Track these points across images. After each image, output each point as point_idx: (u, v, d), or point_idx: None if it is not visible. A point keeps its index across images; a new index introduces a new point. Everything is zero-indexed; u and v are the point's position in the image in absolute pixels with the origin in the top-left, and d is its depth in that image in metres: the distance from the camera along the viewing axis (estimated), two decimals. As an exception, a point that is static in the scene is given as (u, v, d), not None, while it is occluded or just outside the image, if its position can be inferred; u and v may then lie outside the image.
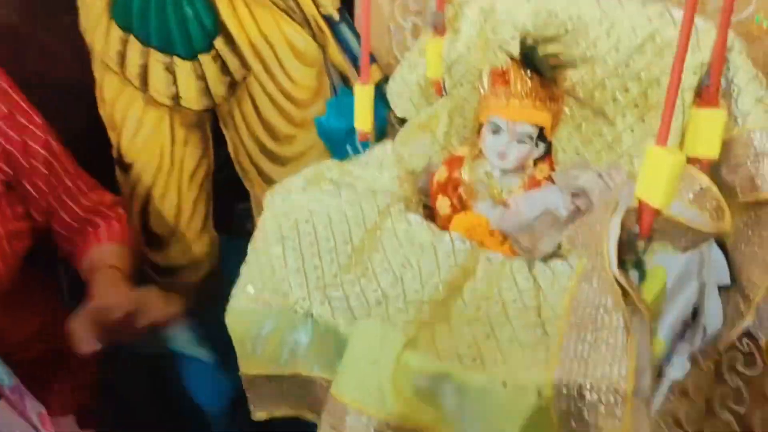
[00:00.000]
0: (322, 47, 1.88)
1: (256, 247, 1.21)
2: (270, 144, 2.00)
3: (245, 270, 1.20)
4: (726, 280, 1.21)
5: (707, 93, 1.02)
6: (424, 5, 1.66)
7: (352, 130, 1.93)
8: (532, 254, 1.06)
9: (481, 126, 1.20)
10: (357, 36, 1.82)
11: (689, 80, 1.04)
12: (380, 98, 1.91)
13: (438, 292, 1.05)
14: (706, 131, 1.03)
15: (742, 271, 1.12)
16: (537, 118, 1.12)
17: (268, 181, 2.04)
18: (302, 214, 1.20)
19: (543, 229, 1.08)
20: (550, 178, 1.17)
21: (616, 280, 0.93)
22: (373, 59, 1.83)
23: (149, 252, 2.20)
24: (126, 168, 2.15)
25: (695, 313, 1.20)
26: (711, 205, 1.05)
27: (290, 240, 1.17)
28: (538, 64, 1.06)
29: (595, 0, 1.15)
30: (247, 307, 1.18)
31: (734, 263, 1.14)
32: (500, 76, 1.13)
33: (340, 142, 1.88)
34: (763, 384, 1.44)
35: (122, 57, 2.00)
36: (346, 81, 1.93)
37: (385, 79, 1.85)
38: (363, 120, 1.24)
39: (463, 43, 1.28)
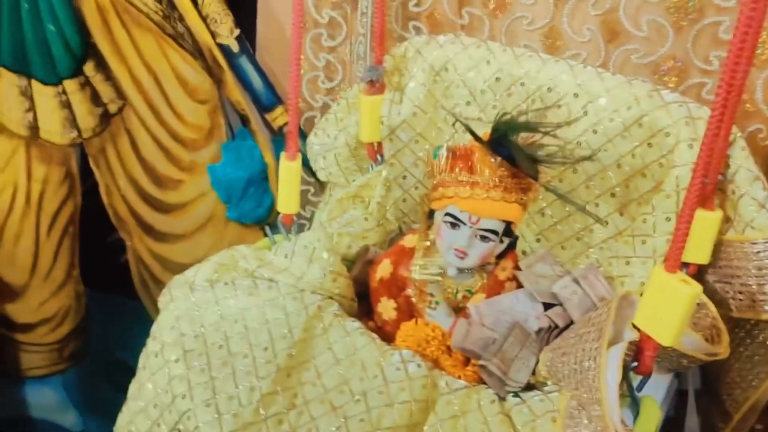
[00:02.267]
0: (217, 82, 1.62)
1: (148, 363, 0.94)
2: (151, 190, 1.72)
3: (134, 393, 0.94)
4: (697, 384, 1.09)
5: (703, 193, 0.89)
6: (349, 44, 1.43)
7: (252, 180, 1.70)
8: (503, 383, 0.88)
9: (430, 212, 1.00)
10: (259, 70, 1.57)
11: (685, 178, 0.89)
12: (283, 143, 1.66)
13: (391, 429, 0.85)
14: (699, 235, 0.88)
15: (722, 384, 1.00)
16: (506, 213, 0.93)
17: (149, 232, 1.77)
18: (210, 319, 0.96)
19: (514, 350, 0.89)
20: (513, 278, 0.99)
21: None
22: (278, 100, 1.60)
23: None
24: (-30, 208, 1.84)
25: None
26: (705, 323, 0.91)
27: (195, 357, 0.92)
28: (514, 152, 0.87)
29: (569, 69, 0.98)
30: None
31: (712, 372, 1.02)
32: (462, 159, 0.94)
33: (237, 194, 1.62)
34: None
35: (-36, 77, 1.68)
36: (244, 122, 1.67)
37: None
38: (287, 202, 1.00)
39: (408, 106, 1.07)
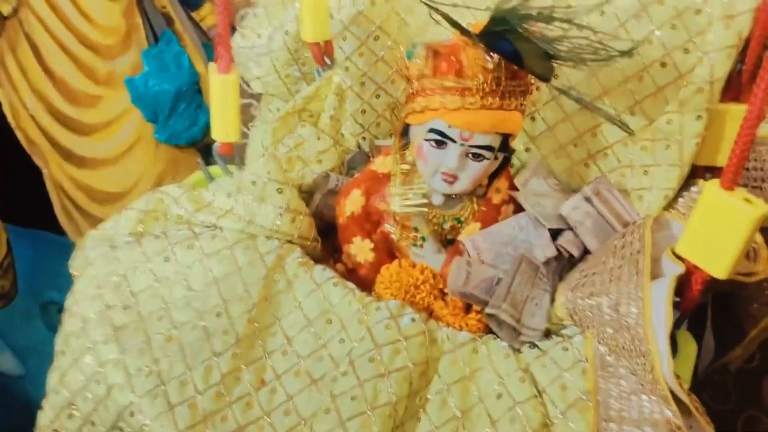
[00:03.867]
0: (131, -27, 1.40)
1: (69, 347, 0.75)
2: (64, 107, 1.49)
3: (55, 386, 0.74)
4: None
5: (737, 83, 0.73)
6: None
7: (181, 94, 1.43)
8: (516, 333, 0.73)
9: (405, 127, 0.81)
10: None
11: (721, 66, 0.73)
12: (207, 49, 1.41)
13: (389, 405, 0.70)
14: (730, 134, 0.74)
15: (738, 299, 0.90)
16: (505, 125, 0.74)
17: (68, 157, 1.55)
18: (141, 283, 0.76)
19: (524, 290, 0.74)
20: (510, 200, 0.83)
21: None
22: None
23: None
24: None
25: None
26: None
27: (130, 335, 0.73)
28: (521, 47, 0.68)
29: (569, -64, 0.79)
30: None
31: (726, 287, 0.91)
32: (447, 60, 0.74)
33: (164, 112, 1.37)
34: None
35: None
36: (168, 22, 1.43)
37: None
38: (225, 126, 0.79)
39: (364, -6, 0.85)
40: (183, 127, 1.47)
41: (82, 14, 1.42)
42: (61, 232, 1.67)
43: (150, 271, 0.77)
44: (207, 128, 1.44)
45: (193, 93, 1.45)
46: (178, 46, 1.44)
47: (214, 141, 1.43)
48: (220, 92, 0.79)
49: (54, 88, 1.50)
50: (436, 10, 0.75)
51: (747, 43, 0.72)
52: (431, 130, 0.76)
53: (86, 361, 0.73)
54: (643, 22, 0.76)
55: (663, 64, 0.77)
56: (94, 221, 1.58)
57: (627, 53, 0.71)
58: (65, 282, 1.76)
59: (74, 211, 1.63)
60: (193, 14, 1.45)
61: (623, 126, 0.70)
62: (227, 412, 0.70)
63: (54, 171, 1.59)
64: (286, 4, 0.96)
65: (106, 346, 0.73)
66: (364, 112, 0.94)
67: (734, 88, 0.74)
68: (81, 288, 0.77)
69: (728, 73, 0.72)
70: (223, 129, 0.81)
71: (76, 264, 0.81)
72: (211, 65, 0.80)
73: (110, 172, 1.56)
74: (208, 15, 1.45)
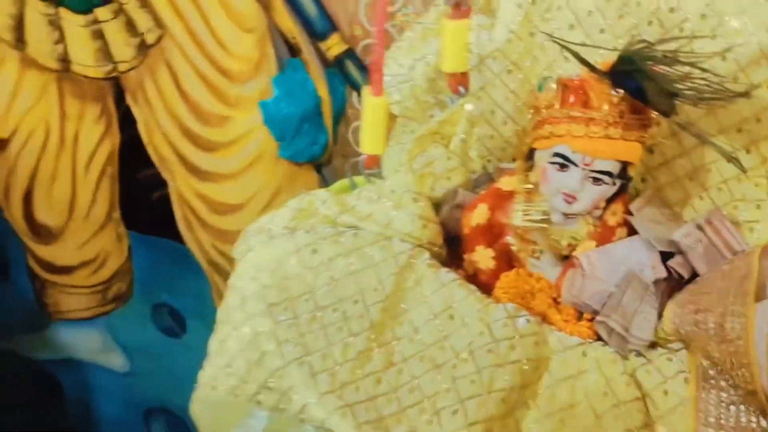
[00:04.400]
0: (266, 7, 1.51)
1: (230, 317, 0.87)
2: (195, 127, 1.64)
3: (216, 349, 0.87)
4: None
5: None
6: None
7: (306, 115, 1.59)
8: (625, 341, 0.81)
9: (530, 151, 0.90)
10: (314, -6, 1.45)
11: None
12: (338, 75, 1.56)
13: (503, 391, 0.78)
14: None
15: None
16: (625, 153, 0.83)
17: (194, 171, 1.70)
18: (293, 269, 0.88)
19: (633, 304, 0.82)
20: (624, 224, 0.90)
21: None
22: (332, 27, 1.48)
23: (35, 246, 1.87)
24: (0, 145, 1.78)
25: None
26: None
27: (281, 311, 0.85)
28: (647, 84, 0.77)
29: (693, -13, 0.87)
30: (223, 399, 0.86)
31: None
32: (575, 92, 0.83)
33: (290, 131, 1.52)
34: None
35: (-14, 5, 1.64)
36: (293, 51, 1.57)
37: (347, 53, 1.51)
38: (373, 141, 0.91)
39: (501, 31, 0.96)
40: (305, 146, 1.60)
41: (219, 44, 1.58)
42: (178, 239, 1.81)
43: (300, 260, 0.88)
44: (325, 146, 1.62)
45: (316, 115, 1.59)
46: (305, 73, 1.57)
47: (329, 160, 1.59)
48: (372, 112, 0.91)
49: (187, 108, 1.65)
50: (568, 49, 0.85)
51: None
52: (556, 154, 0.85)
53: (244, 331, 0.85)
54: (762, 67, 0.83)
55: (780, 107, 0.83)
56: (211, 230, 1.77)
57: (744, 95, 0.78)
58: (178, 286, 1.91)
59: (194, 221, 1.78)
60: (320, 44, 1.58)
61: (737, 163, 0.77)
62: (360, 384, 0.81)
63: (179, 184, 1.75)
64: (427, 38, 1.07)
65: (261, 319, 0.85)
66: (491, 137, 1.03)
67: None
68: (242, 269, 0.90)
69: None
70: (371, 143, 0.93)
71: (238, 250, 0.94)
72: (365, 89, 0.92)
73: (231, 186, 1.71)
74: (334, 45, 1.56)
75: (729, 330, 0.71)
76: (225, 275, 1.76)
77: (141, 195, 1.83)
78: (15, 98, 1.69)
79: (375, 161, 0.95)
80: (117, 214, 1.82)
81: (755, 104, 0.85)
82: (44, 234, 1.85)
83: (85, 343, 1.96)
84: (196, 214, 1.75)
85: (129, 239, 1.86)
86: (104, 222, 1.81)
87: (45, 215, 1.82)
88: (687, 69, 0.77)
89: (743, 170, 0.79)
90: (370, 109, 0.91)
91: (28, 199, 1.80)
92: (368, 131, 0.92)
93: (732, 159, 0.78)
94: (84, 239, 1.84)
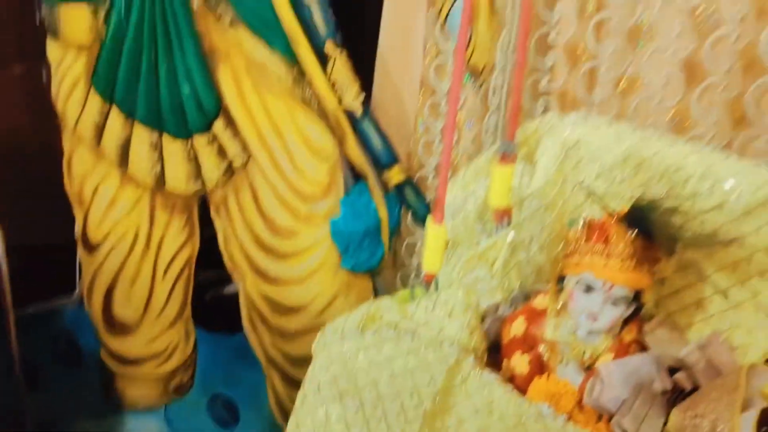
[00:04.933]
0: (339, 141, 1.74)
1: (306, 402, 1.05)
2: (268, 238, 1.83)
3: (292, 430, 1.04)
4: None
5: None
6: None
7: (367, 232, 1.81)
8: (636, 440, 0.96)
9: (560, 276, 1.10)
10: (379, 131, 1.69)
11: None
12: (395, 199, 1.79)
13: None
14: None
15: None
16: (637, 282, 1.03)
17: (262, 276, 1.88)
18: (360, 364, 1.06)
19: (643, 410, 0.97)
20: (637, 341, 1.08)
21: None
22: (394, 159, 1.72)
23: (108, 339, 2.02)
24: (91, 248, 1.96)
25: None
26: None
27: (350, 398, 1.02)
28: (655, 229, 0.97)
29: (696, 151, 1.08)
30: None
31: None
32: (598, 231, 1.04)
33: (354, 245, 1.74)
34: None
35: (100, 129, 1.82)
36: (357, 176, 1.80)
37: (407, 182, 1.75)
38: (432, 262, 1.11)
39: (539, 178, 1.18)
40: (365, 258, 1.80)
41: (296, 170, 1.76)
42: (240, 335, 1.95)
43: (366, 356, 1.06)
44: (382, 259, 1.81)
45: (376, 232, 1.79)
46: (369, 197, 1.78)
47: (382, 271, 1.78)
48: (434, 237, 1.11)
49: (263, 223, 1.82)
50: (593, 196, 1.06)
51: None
52: (582, 280, 1.04)
53: (318, 414, 1.03)
54: (750, 218, 1.02)
55: (767, 252, 1.01)
56: (273, 329, 1.91)
57: (735, 242, 0.97)
58: (236, 378, 2.04)
59: (257, 320, 1.93)
60: (384, 173, 1.78)
61: (727, 297, 0.95)
62: (414, 462, 0.97)
63: (248, 286, 1.90)
64: (479, 176, 1.29)
65: (333, 404, 1.02)
66: (528, 262, 1.23)
67: None
68: (319, 362, 1.08)
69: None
70: (431, 263, 1.12)
71: (316, 346, 1.12)
72: (430, 218, 1.12)
73: (294, 290, 1.87)
74: (395, 175, 1.77)
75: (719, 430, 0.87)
76: (280, 371, 1.97)
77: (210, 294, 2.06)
78: (111, 208, 1.87)
79: (432, 277, 1.14)
80: (188, 312, 1.98)
81: (746, 248, 1.03)
82: (119, 328, 1.99)
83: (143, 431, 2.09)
84: (260, 313, 1.90)
85: (196, 334, 2.02)
86: (175, 319, 1.97)
87: (122, 311, 1.97)
88: (683, 219, 0.97)
89: (734, 304, 0.97)
90: (432, 234, 1.12)
91: (108, 295, 1.96)
92: (429, 253, 1.12)
93: (722, 293, 0.96)
94: (155, 334, 1.98)
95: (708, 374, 1.00)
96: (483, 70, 1.55)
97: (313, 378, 1.06)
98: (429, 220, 1.11)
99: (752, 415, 0.86)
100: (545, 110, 1.41)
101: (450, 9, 1.53)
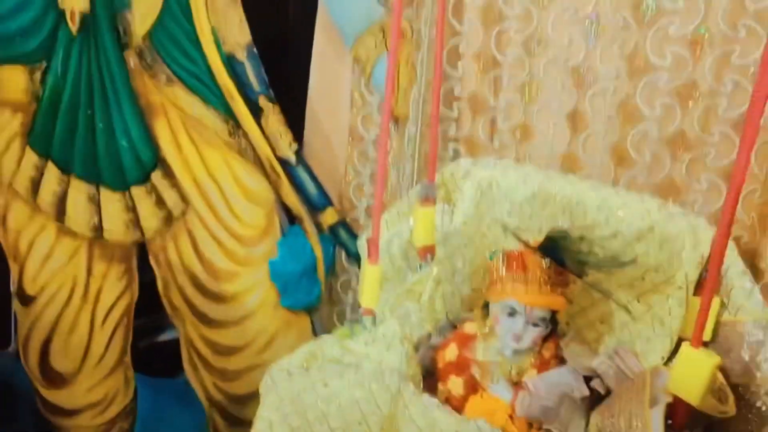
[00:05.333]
0: (275, 187, 1.84)
1: (261, 442, 1.13)
2: (208, 282, 1.91)
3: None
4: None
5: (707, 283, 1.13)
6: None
7: (305, 272, 1.90)
8: (563, 442, 1.09)
9: (485, 304, 1.22)
10: (313, 178, 1.80)
11: (692, 274, 1.14)
12: (329, 239, 1.90)
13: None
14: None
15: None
16: (554, 304, 1.16)
17: (203, 319, 1.94)
18: (309, 399, 1.15)
19: (569, 415, 1.11)
20: (556, 356, 1.21)
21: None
22: (327, 202, 1.83)
23: (45, 391, 2.00)
24: (27, 301, 1.96)
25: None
26: (715, 387, 1.13)
27: (301, 434, 1.11)
28: (566, 257, 1.11)
29: (592, 188, 1.24)
30: None
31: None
32: (516, 261, 1.17)
33: (292, 285, 1.82)
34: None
35: (36, 184, 1.84)
36: (292, 218, 1.90)
37: (340, 223, 1.85)
38: (369, 298, 1.22)
39: (459, 217, 1.31)
40: (303, 296, 1.89)
41: (234, 216, 1.85)
42: (179, 378, 2.00)
43: (314, 392, 1.14)
44: (319, 297, 1.90)
45: (312, 271, 1.89)
46: (304, 238, 1.88)
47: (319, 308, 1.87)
48: (370, 277, 1.22)
49: (202, 267, 1.89)
50: (509, 230, 1.20)
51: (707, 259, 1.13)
52: (505, 306, 1.17)
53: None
54: (641, 242, 1.18)
55: (656, 270, 1.18)
56: (212, 370, 1.96)
57: (630, 263, 1.13)
58: (177, 423, 2.05)
59: (198, 362, 1.98)
60: (318, 215, 1.91)
61: (629, 311, 1.11)
62: (366, 485, 1.07)
63: (188, 330, 1.96)
64: (401, 218, 1.41)
65: (286, 441, 1.11)
66: (453, 294, 1.36)
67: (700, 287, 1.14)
68: (269, 401, 1.14)
69: (697, 277, 1.13)
70: (368, 299, 1.23)
71: (264, 385, 1.18)
72: (366, 260, 1.22)
73: (234, 331, 1.94)
74: (328, 217, 1.90)
75: (634, 427, 1.01)
76: (222, 411, 2.02)
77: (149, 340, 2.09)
78: (47, 261, 1.87)
79: (370, 312, 1.25)
80: (128, 358, 2.00)
81: (640, 268, 1.19)
82: (57, 379, 1.98)
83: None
84: (200, 355, 1.95)
85: (135, 381, 2.03)
86: (114, 366, 1.98)
87: (60, 362, 1.96)
88: (588, 246, 1.11)
89: (634, 318, 1.12)
90: (368, 274, 1.22)
91: (45, 347, 1.94)
92: (366, 291, 1.23)
93: (626, 308, 1.11)
94: (94, 383, 1.98)
95: (618, 379, 1.14)
96: (402, 120, 1.69)
97: (263, 418, 1.13)
98: (365, 262, 1.22)
99: (659, 409, 1.01)
100: (455, 154, 1.57)
101: (374, 65, 1.66)
